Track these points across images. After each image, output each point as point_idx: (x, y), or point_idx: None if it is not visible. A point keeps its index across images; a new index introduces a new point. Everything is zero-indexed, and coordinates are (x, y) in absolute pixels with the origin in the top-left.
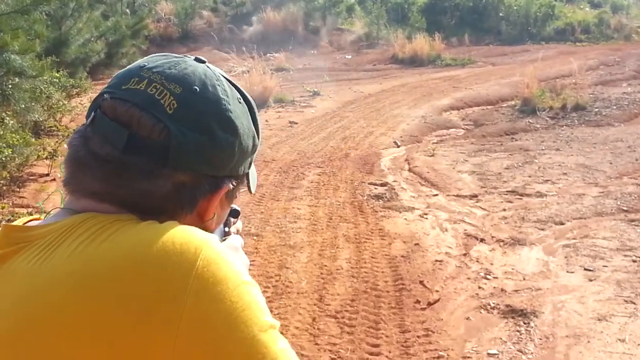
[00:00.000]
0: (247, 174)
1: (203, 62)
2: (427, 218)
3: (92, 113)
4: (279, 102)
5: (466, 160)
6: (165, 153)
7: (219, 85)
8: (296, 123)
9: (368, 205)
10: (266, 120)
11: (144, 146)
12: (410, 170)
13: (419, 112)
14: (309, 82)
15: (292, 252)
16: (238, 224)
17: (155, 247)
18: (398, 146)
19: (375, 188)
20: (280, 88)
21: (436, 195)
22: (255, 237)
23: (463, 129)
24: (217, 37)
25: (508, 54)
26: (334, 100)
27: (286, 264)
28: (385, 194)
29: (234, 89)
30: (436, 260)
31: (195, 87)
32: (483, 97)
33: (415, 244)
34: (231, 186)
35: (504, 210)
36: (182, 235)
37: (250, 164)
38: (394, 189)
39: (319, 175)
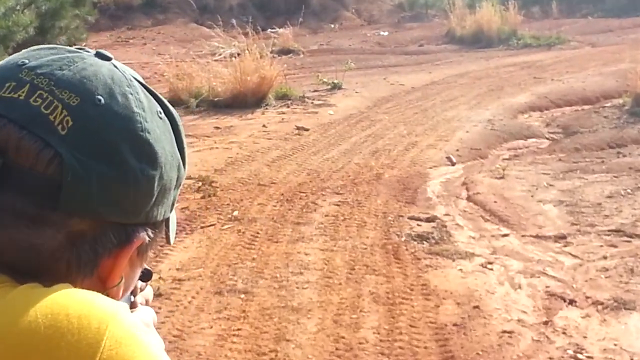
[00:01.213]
0: (168, 219)
1: (108, 59)
2: (492, 269)
3: None
4: (282, 99)
5: (551, 185)
6: (55, 191)
7: (131, 94)
8: (306, 130)
9: (407, 249)
10: (264, 126)
11: (25, 181)
12: (469, 199)
13: (484, 115)
14: (327, 70)
15: (295, 318)
16: (147, 291)
17: (41, 322)
18: (453, 164)
19: (419, 225)
20: (284, 79)
21: (506, 235)
22: (242, 296)
23: (547, 139)
24: (195, 5)
25: (614, 29)
26: (362, 96)
27: (286, 335)
28: (432, 233)
29: (151, 98)
30: (504, 332)
31: (99, 96)
32: (577, 93)
33: (475, 307)
34: (146, 238)
35: (605, 258)
36: (79, 304)
37: (173, 204)
38: (446, 227)
39: (338, 205)
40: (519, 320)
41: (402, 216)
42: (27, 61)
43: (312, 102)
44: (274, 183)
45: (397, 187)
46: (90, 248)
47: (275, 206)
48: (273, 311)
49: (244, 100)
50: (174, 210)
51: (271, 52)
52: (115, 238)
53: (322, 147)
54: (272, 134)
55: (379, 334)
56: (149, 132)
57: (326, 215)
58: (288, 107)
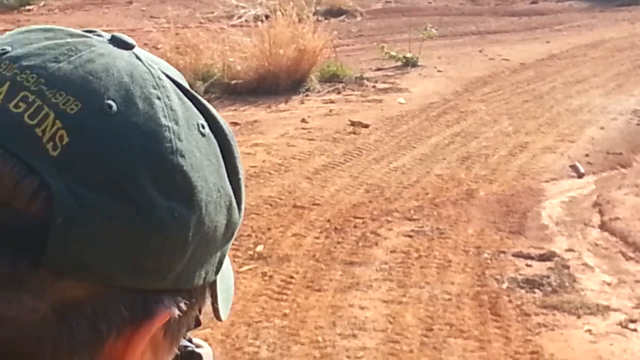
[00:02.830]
0: (214, 284)
1: (128, 46)
2: (635, 330)
3: None
4: (330, 81)
5: None
6: (39, 239)
7: (158, 98)
8: (366, 126)
9: (511, 301)
10: (303, 120)
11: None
12: (604, 227)
13: (628, 104)
14: (396, 39)
15: None
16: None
17: None
18: (580, 175)
19: (528, 265)
20: (334, 52)
21: None
22: None
23: None
24: None
25: None
26: (447, 77)
27: None
28: (548, 277)
29: (191, 105)
30: None
31: (109, 100)
32: None
33: None
34: (176, 312)
35: None
36: None
37: (221, 263)
38: (568, 268)
39: (410, 237)
40: None
41: (503, 252)
42: (9, 48)
43: (373, 86)
44: (317, 204)
45: (498, 210)
46: (89, 325)
47: (318, 238)
48: None
49: (275, 84)
50: (227, 271)
51: (314, 14)
52: (128, 311)
53: (387, 151)
54: (315, 133)
55: None
56: (182, 156)
57: (392, 252)
58: (339, 93)
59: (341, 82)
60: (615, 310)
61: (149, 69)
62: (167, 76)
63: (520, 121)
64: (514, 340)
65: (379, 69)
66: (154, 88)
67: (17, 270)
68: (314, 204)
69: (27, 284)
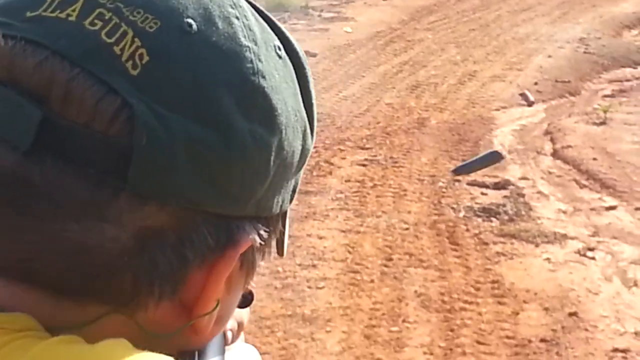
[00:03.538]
0: (285, 214)
1: None
2: (593, 258)
3: None
4: (276, 10)
5: None
6: (121, 162)
7: (237, 18)
8: (314, 55)
9: (468, 230)
10: None
11: (75, 146)
12: (556, 154)
13: (574, 32)
14: None
15: (308, 332)
16: (241, 312)
17: None
18: (530, 103)
19: (483, 194)
20: None
21: (612, 208)
22: None
23: None
24: None
25: None
26: (393, 5)
27: (296, 358)
28: (504, 206)
29: (266, 26)
30: (615, 350)
31: (189, 19)
32: None
33: (571, 315)
34: (257, 239)
35: None
36: None
37: (294, 192)
38: (523, 196)
39: (364, 165)
40: (636, 334)
41: (458, 181)
42: None
43: (319, 15)
44: None
45: (450, 138)
46: (174, 253)
47: None
48: (275, 322)
49: None
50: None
51: None
52: (212, 238)
53: (336, 80)
54: None
55: (431, 354)
56: (263, 77)
57: (347, 181)
58: (284, 22)
59: (286, 12)
60: (572, 238)
61: None
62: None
63: (468, 50)
64: (473, 269)
65: None
66: (232, 7)
67: (98, 196)
68: None
69: (108, 211)
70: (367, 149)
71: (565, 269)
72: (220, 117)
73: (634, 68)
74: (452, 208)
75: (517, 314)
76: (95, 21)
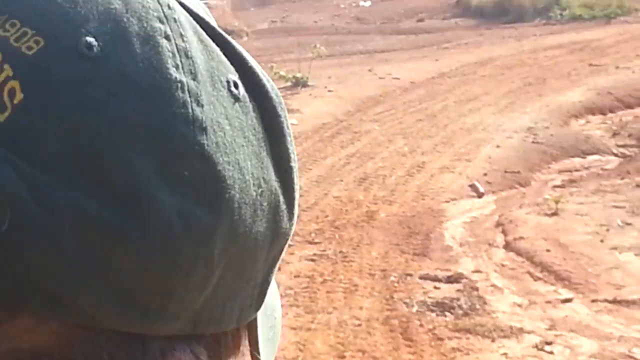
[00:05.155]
0: (253, 323)
1: None
2: (552, 352)
3: None
4: None
5: (628, 224)
6: None
7: (168, 38)
8: None
9: (422, 325)
10: None
11: None
12: (508, 247)
13: (522, 121)
14: (284, 59)
15: None
16: None
17: None
18: (480, 195)
19: (436, 287)
20: None
21: (568, 300)
22: None
23: (616, 155)
24: None
25: None
26: (339, 96)
27: None
28: (457, 300)
29: (218, 53)
30: None
31: (89, 37)
32: None
33: None
34: None
35: None
36: None
37: (263, 294)
38: (477, 289)
39: (313, 260)
40: None
41: (410, 275)
42: None
43: None
44: None
45: (400, 231)
46: None
47: None
48: None
49: None
50: (273, 299)
51: None
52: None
53: None
54: None
55: None
56: (202, 129)
57: (296, 276)
58: None
59: None
60: (529, 332)
61: None
62: (183, 5)
63: (415, 140)
64: None
65: None
66: (161, 21)
67: None
68: None
69: None
70: (316, 243)
71: None
72: (129, 189)
73: (583, 158)
74: (405, 303)
75: None
76: None
